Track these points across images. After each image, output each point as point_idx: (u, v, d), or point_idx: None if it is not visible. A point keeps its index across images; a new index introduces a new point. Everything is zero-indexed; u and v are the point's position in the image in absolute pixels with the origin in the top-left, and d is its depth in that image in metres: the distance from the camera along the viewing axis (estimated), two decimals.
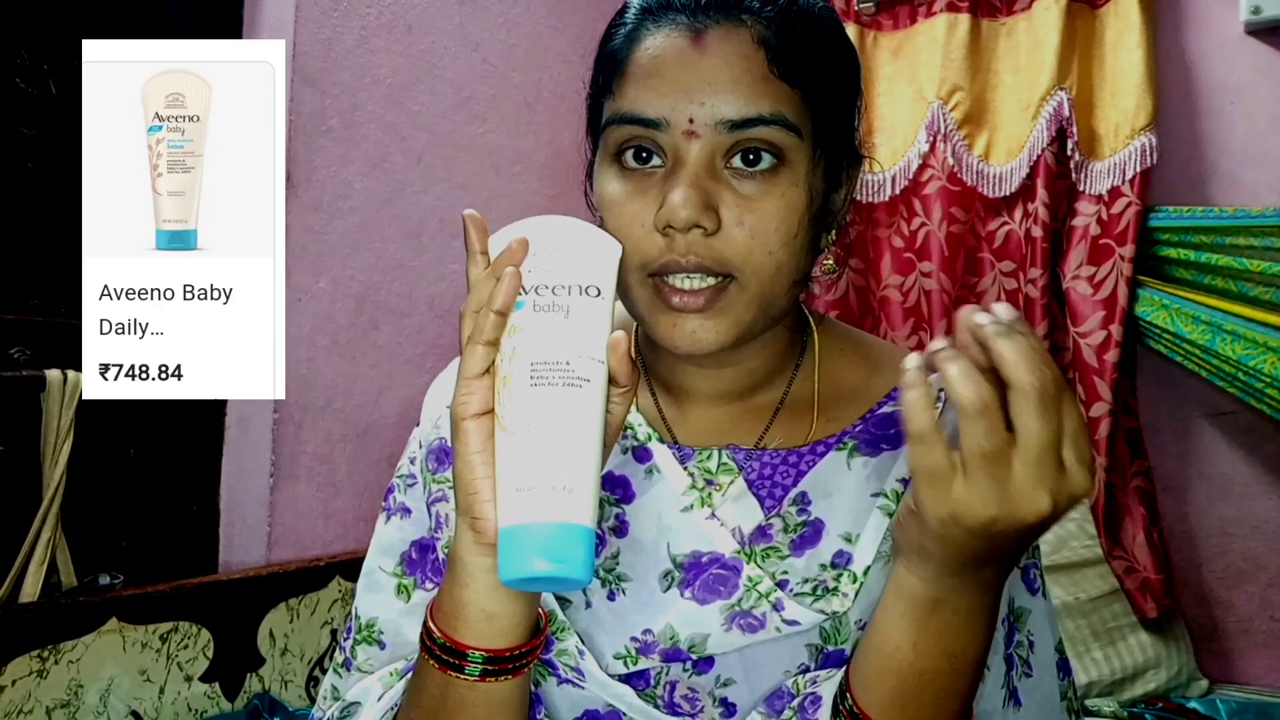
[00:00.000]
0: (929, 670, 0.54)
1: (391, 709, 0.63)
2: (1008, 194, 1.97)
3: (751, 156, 0.58)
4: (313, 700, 1.48)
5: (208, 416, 1.51)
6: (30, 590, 1.23)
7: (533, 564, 0.50)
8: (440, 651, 0.55)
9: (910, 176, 2.06)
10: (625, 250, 0.59)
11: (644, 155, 0.59)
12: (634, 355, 0.72)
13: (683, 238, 0.57)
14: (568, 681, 0.64)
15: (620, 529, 0.65)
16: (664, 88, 0.58)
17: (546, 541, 0.50)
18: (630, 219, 0.59)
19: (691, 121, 0.57)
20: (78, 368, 1.25)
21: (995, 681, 0.63)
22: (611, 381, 0.54)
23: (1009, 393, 0.45)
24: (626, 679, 0.63)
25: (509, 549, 0.51)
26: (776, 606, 0.61)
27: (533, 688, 0.65)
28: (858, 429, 0.66)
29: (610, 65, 0.62)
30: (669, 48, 0.59)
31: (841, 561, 0.62)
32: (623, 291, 0.62)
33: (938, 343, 0.48)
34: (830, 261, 0.67)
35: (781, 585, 0.62)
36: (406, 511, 0.72)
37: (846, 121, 0.64)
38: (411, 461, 0.73)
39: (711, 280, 0.58)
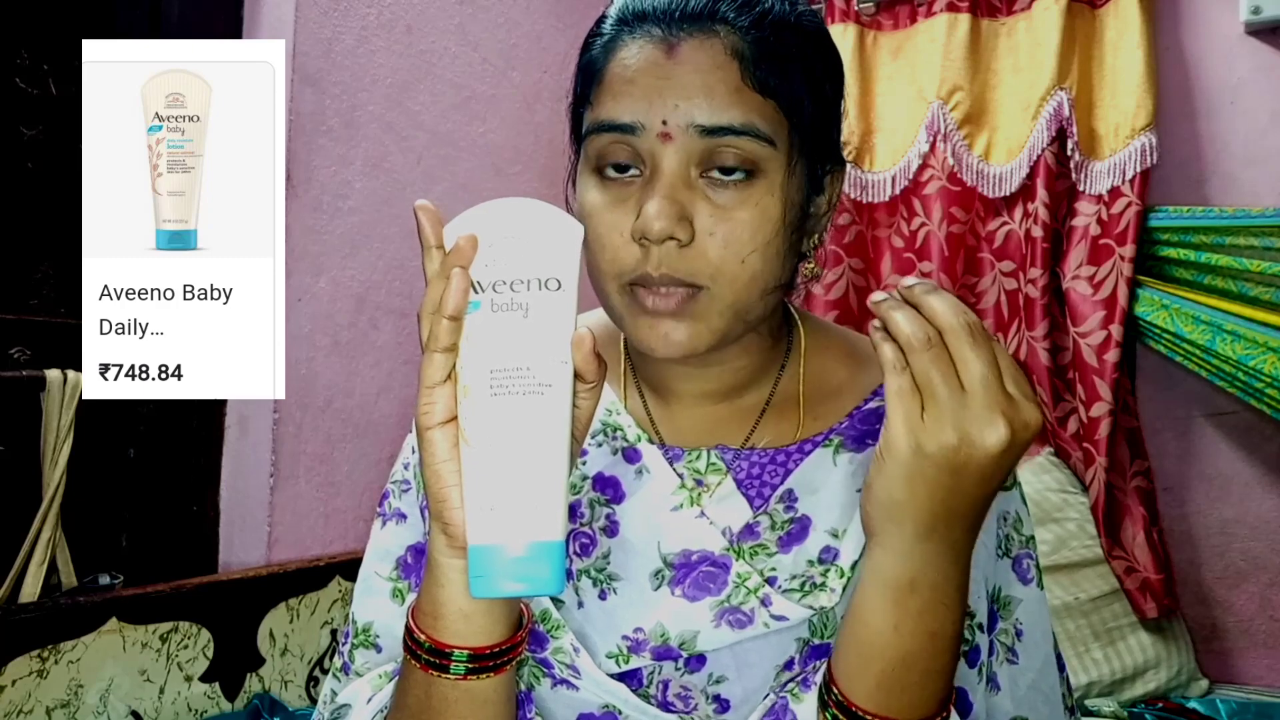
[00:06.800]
0: (912, 652, 0.54)
1: (381, 711, 0.63)
2: (1008, 194, 1.96)
3: (727, 166, 0.59)
4: (313, 700, 1.48)
5: (208, 416, 1.51)
6: (30, 590, 1.23)
7: (502, 586, 0.50)
8: (423, 652, 0.55)
9: (910, 176, 2.06)
10: (603, 259, 0.60)
11: (623, 167, 0.60)
12: (624, 354, 0.72)
13: (657, 250, 0.58)
14: (563, 683, 0.64)
15: (611, 529, 0.66)
16: (637, 94, 0.59)
17: (515, 564, 0.50)
18: (609, 228, 0.60)
19: (665, 124, 0.58)
20: (78, 368, 1.24)
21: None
22: (578, 378, 0.52)
23: (944, 336, 0.50)
24: (620, 679, 0.63)
25: (479, 569, 0.50)
26: (765, 602, 0.61)
27: (527, 690, 0.65)
28: (844, 425, 0.67)
29: (588, 76, 0.63)
30: (643, 58, 0.59)
31: (829, 557, 0.63)
32: (601, 299, 0.63)
33: (878, 295, 0.52)
34: (812, 265, 0.67)
35: (770, 582, 0.62)
36: (401, 516, 0.72)
37: (827, 127, 0.64)
38: (405, 466, 0.73)
39: (683, 288, 0.59)
